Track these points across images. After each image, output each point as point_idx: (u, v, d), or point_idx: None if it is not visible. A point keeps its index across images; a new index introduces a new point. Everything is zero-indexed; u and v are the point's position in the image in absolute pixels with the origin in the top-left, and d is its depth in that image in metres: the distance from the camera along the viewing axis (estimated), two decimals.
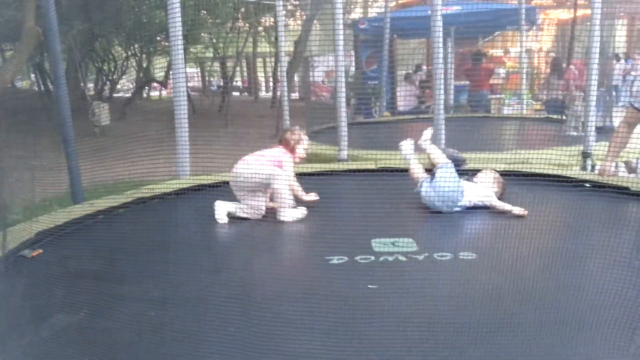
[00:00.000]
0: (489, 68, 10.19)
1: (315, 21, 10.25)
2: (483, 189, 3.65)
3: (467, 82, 10.12)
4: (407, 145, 3.90)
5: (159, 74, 14.44)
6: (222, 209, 3.57)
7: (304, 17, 11.44)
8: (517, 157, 4.49)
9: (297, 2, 12.11)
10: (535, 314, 2.15)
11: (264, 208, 3.63)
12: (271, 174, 3.51)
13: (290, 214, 3.53)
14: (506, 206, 3.52)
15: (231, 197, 3.64)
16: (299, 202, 3.65)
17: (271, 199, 3.71)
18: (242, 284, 2.57)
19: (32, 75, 11.75)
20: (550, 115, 7.89)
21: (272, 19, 11.17)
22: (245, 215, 3.60)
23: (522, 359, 1.89)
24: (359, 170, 4.70)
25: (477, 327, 2.01)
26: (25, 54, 6.48)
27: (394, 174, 4.16)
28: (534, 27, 10.06)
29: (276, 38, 8.48)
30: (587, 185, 3.97)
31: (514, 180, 3.75)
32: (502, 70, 11.21)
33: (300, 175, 3.83)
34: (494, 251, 2.87)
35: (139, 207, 3.99)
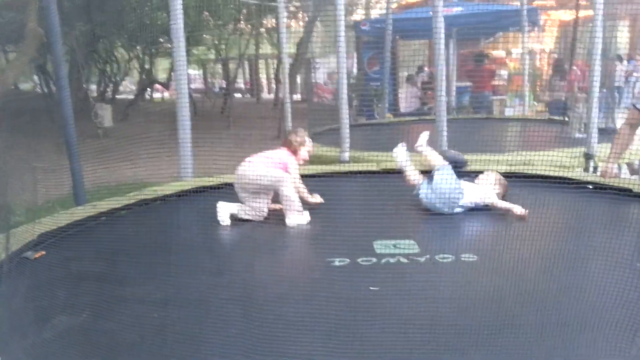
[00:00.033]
0: (491, 69, 10.18)
1: (317, 23, 10.28)
2: (483, 189, 3.66)
3: (469, 84, 10.13)
4: (400, 151, 3.89)
5: (162, 76, 14.48)
6: (224, 210, 3.57)
7: (306, 18, 11.47)
8: (519, 159, 4.49)
9: (299, 4, 12.13)
10: (537, 315, 2.14)
11: (266, 210, 3.63)
12: (279, 178, 3.51)
13: (297, 219, 3.53)
14: (506, 205, 3.52)
15: (233, 199, 3.64)
16: (304, 203, 3.65)
17: (273, 201, 3.72)
18: (244, 285, 2.57)
19: (35, 77, 11.79)
20: (553, 117, 7.89)
21: (274, 21, 11.18)
22: (247, 217, 3.60)
23: None
24: (361, 172, 4.71)
25: (478, 329, 2.01)
26: (28, 55, 6.51)
27: (396, 176, 4.16)
28: (536, 28, 10.06)
29: (278, 40, 8.50)
30: (590, 186, 3.96)
31: (516, 181, 3.75)
32: (504, 72, 11.21)
33: (302, 177, 3.83)
34: (496, 253, 2.87)
35: (142, 208, 4.00)
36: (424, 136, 3.94)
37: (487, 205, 3.59)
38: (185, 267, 2.80)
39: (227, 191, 3.78)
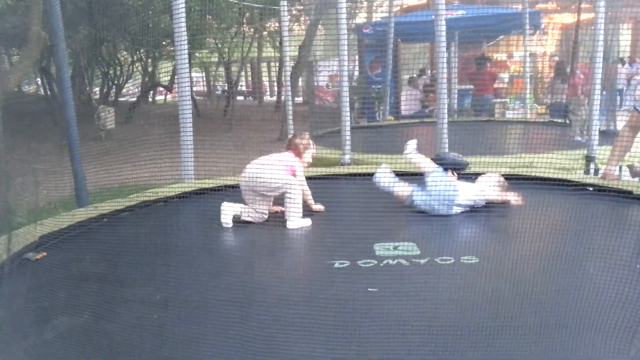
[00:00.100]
0: (492, 72, 10.19)
1: (319, 26, 10.30)
2: (477, 186, 3.68)
3: (471, 86, 10.13)
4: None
5: (165, 79, 14.50)
6: (229, 211, 3.58)
7: (309, 21, 11.49)
8: (520, 161, 4.50)
9: (302, 7, 12.15)
10: (536, 317, 2.15)
11: (267, 212, 3.65)
12: (288, 182, 3.54)
13: (298, 222, 3.54)
14: (501, 197, 3.56)
15: (234, 201, 3.65)
16: (305, 209, 3.66)
17: (274, 203, 3.73)
18: (244, 287, 2.58)
19: (38, 80, 11.83)
20: (554, 119, 7.89)
21: (276, 24, 11.20)
22: (249, 219, 3.61)
23: None
24: (362, 174, 4.71)
25: (477, 330, 2.02)
26: (32, 58, 6.53)
27: (396, 176, 4.16)
28: (538, 31, 10.06)
29: (281, 43, 8.51)
30: (590, 188, 3.96)
31: (517, 183, 3.76)
32: (505, 75, 11.21)
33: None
34: (496, 255, 2.87)
35: (143, 210, 4.02)
36: (412, 144, 3.95)
37: (485, 203, 3.61)
38: (185, 269, 2.81)
39: (228, 193, 3.79)
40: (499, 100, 10.02)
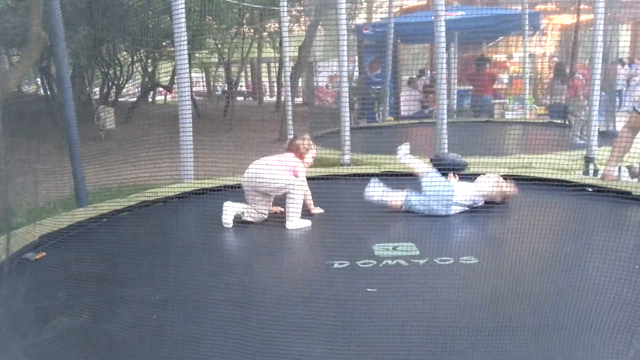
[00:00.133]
0: (492, 73, 10.20)
1: (319, 27, 10.31)
2: (473, 184, 3.69)
3: (470, 87, 10.14)
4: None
5: (164, 79, 14.50)
6: (230, 211, 3.58)
7: (308, 22, 11.50)
8: (519, 162, 4.50)
9: (302, 8, 12.17)
10: (535, 317, 2.15)
11: (267, 212, 3.65)
12: (290, 183, 3.54)
13: (298, 223, 3.55)
14: (497, 190, 3.59)
15: (237, 200, 3.65)
16: (304, 211, 3.66)
17: (274, 203, 3.73)
18: (243, 287, 2.58)
19: (38, 80, 11.83)
20: (554, 120, 7.90)
21: (276, 25, 11.22)
22: (249, 219, 3.61)
23: None
24: (362, 175, 4.71)
25: (476, 331, 2.02)
26: (32, 58, 6.53)
27: (397, 178, 4.16)
28: (537, 32, 10.07)
29: (280, 43, 8.51)
30: (589, 189, 3.97)
31: (516, 184, 3.76)
32: (505, 75, 11.22)
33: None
34: (495, 255, 2.87)
35: (143, 210, 4.02)
36: (404, 148, 3.94)
37: (484, 202, 3.62)
38: (185, 269, 2.81)
39: (228, 194, 3.79)
40: (498, 101, 10.02)
